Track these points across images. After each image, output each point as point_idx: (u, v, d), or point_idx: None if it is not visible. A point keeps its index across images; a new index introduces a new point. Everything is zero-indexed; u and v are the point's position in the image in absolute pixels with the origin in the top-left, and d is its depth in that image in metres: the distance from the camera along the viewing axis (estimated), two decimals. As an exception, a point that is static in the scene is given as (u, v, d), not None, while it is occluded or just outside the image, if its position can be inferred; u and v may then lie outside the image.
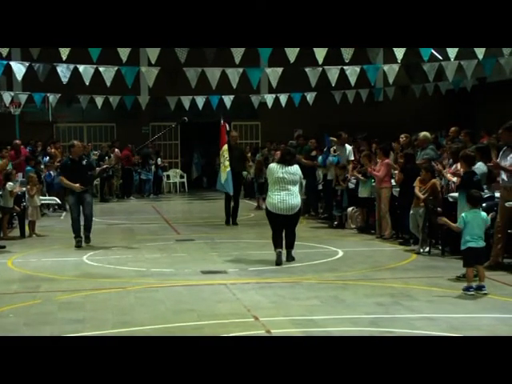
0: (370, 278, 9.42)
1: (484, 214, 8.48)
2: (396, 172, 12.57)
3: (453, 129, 14.76)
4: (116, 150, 22.98)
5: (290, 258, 10.59)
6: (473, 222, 8.31)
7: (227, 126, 15.89)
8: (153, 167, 25.02)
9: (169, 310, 7.73)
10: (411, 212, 11.42)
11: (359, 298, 8.14)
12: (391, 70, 17.77)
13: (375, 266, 10.34)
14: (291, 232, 10.62)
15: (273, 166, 10.72)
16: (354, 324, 7.04)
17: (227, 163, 14.60)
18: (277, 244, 10.50)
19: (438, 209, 10.98)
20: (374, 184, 13.37)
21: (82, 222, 12.49)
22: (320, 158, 16.01)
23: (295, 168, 10.54)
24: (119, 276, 9.82)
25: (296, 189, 10.50)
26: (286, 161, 10.55)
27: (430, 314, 7.38)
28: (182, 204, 23.36)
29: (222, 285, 9.08)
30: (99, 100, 21.22)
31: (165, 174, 26.34)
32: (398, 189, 12.72)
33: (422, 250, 11.19)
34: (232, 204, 15.44)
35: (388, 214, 12.81)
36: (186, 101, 21.23)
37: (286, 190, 10.35)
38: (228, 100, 21.26)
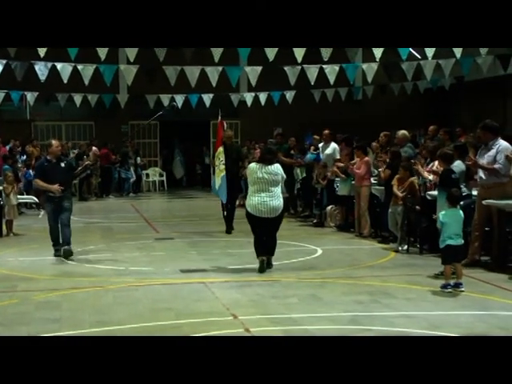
0: (349, 275, 9.45)
1: (462, 212, 8.53)
2: (380, 170, 12.59)
3: (431, 127, 14.85)
4: (94, 148, 22.85)
5: (270, 265, 9.94)
6: (451, 221, 8.37)
7: (225, 124, 14.24)
8: (132, 166, 24.93)
9: (147, 309, 7.70)
10: (390, 210, 11.47)
11: (338, 296, 8.16)
12: (370, 69, 17.81)
13: (354, 264, 10.37)
14: (272, 237, 9.96)
15: (252, 165, 10.08)
16: (332, 322, 7.05)
17: (222, 167, 12.89)
18: (260, 251, 9.87)
19: (417, 207, 11.03)
20: (353, 182, 13.40)
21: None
22: (310, 155, 16.02)
23: (276, 167, 9.92)
24: (98, 275, 9.77)
25: (278, 189, 9.85)
26: (266, 160, 9.94)
27: (408, 311, 7.41)
28: (161, 203, 23.29)
29: (200, 283, 9.06)
30: (78, 98, 21.08)
31: (144, 172, 26.26)
32: (378, 187, 12.78)
33: (400, 248, 11.24)
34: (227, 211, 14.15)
35: (367, 212, 12.87)
36: (165, 99, 21.15)
37: (267, 191, 9.72)
38: (207, 98, 21.20)
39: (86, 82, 17.17)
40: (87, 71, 17.11)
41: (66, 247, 11.05)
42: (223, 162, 12.91)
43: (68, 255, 10.98)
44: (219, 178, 12.92)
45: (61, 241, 11.19)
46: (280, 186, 9.97)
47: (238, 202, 19.53)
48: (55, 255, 11.22)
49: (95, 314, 7.50)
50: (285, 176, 10.26)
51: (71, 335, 6.59)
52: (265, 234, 9.91)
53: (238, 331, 6.71)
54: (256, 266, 9.85)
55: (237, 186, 14.80)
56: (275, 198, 9.77)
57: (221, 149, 13.15)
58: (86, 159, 21.15)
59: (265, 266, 9.79)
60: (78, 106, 21.45)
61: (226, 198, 13.02)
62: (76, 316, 7.43)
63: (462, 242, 8.49)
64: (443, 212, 8.51)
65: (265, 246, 9.90)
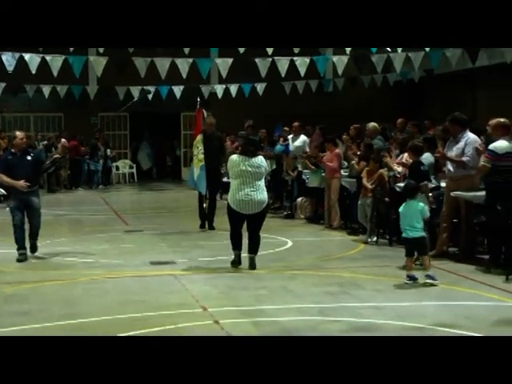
0: (319, 267, 9.49)
1: (421, 204, 8.59)
2: (353, 162, 12.64)
3: (400, 120, 14.95)
4: (63, 140, 22.58)
5: (253, 266, 9.30)
6: (407, 213, 8.46)
7: (204, 112, 13.37)
8: (101, 158, 24.75)
9: (116, 302, 7.67)
10: (359, 202, 11.54)
11: (307, 287, 8.19)
12: (340, 62, 17.88)
13: (324, 255, 10.41)
14: (255, 234, 9.39)
15: (234, 157, 9.53)
16: (302, 313, 7.08)
17: (201, 156, 12.33)
18: (236, 245, 9.46)
19: (386, 199, 11.11)
20: (323, 174, 13.45)
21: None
22: (279, 147, 16.03)
23: (260, 160, 9.45)
24: (66, 268, 9.70)
25: (262, 183, 9.41)
26: (249, 152, 9.45)
27: (376, 302, 7.47)
28: (131, 195, 23.17)
29: (170, 276, 9.04)
30: (46, 89, 20.83)
31: (114, 164, 26.09)
32: (348, 179, 12.84)
33: (369, 240, 11.31)
34: (206, 205, 13.15)
35: (337, 204, 12.92)
36: (135, 91, 21.00)
37: (251, 185, 9.23)
38: (178, 90, 21.10)
39: (55, 73, 17.00)
40: (56, 62, 16.94)
41: (32, 241, 10.52)
42: (202, 150, 12.41)
43: (34, 251, 10.52)
44: (198, 167, 12.42)
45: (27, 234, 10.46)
46: (264, 179, 9.61)
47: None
48: (18, 260, 10.17)
49: (64, 306, 7.45)
50: (268, 168, 9.91)
51: (36, 335, 6.53)
52: (249, 230, 9.45)
53: (207, 323, 6.72)
54: (226, 258, 9.86)
55: (218, 178, 13.87)
56: (259, 192, 9.29)
57: (200, 137, 12.65)
58: (55, 151, 20.95)
59: (240, 260, 9.47)
60: (46, 97, 21.20)
61: (204, 189, 12.51)
62: (45, 309, 7.37)
63: (422, 234, 8.47)
64: (403, 204, 8.61)
65: (241, 240, 9.47)
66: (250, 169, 9.31)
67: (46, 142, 22.98)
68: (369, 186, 11.25)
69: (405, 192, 8.76)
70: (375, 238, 11.32)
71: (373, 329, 6.47)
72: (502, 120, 9.32)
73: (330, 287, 8.21)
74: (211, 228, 12.98)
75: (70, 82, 20.35)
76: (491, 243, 9.54)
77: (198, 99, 13.51)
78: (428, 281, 8.22)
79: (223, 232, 11.16)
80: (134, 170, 26.74)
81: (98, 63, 17.58)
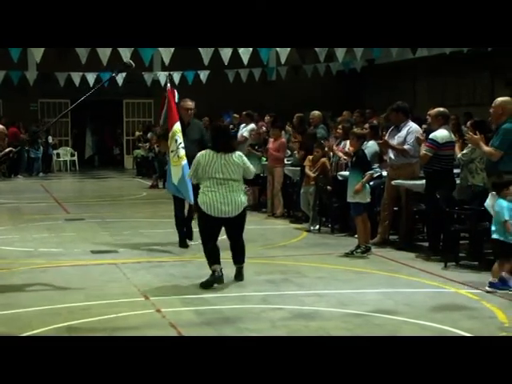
0: (262, 255, 9.49)
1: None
2: (295, 152, 12.67)
3: (345, 112, 15.04)
4: (1, 126, 22.09)
5: (240, 277, 7.99)
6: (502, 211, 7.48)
7: (176, 92, 10.23)
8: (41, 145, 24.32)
9: (56, 291, 7.54)
10: (302, 191, 11.59)
11: (250, 275, 8.18)
12: (283, 50, 17.85)
13: (266, 243, 10.43)
14: (237, 240, 7.99)
15: (206, 153, 7.80)
16: (244, 301, 7.09)
17: (182, 152, 9.49)
18: (214, 259, 7.82)
19: (328, 187, 11.19)
20: (265, 162, 13.47)
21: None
22: None
23: (237, 156, 7.84)
24: (5, 257, 9.49)
25: (240, 184, 7.84)
26: (222, 146, 7.77)
27: (319, 290, 7.53)
28: (72, 183, 22.85)
29: (112, 264, 8.93)
30: (-17, 74, 20.35)
31: (55, 152, 25.68)
32: (291, 167, 12.88)
33: (312, 228, 11.37)
34: (186, 213, 10.12)
35: (280, 192, 12.96)
36: (76, 77, 20.67)
37: (226, 185, 7.69)
38: (120, 77, 20.82)
39: (-8, 58, 16.59)
40: (-7, 47, 16.51)
41: None
42: (182, 144, 9.56)
43: None
44: (179, 167, 9.51)
45: None
46: (241, 180, 7.89)
47: (150, 183, 19.13)
48: None
49: (2, 296, 7.29)
50: (251, 167, 8.01)
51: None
52: (229, 237, 8.05)
53: (149, 312, 6.67)
54: (169, 247, 9.76)
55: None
56: (237, 193, 7.74)
57: (178, 127, 9.65)
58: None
59: (221, 277, 7.75)
60: (-17, 82, 20.70)
61: (191, 197, 9.22)
62: (-19, 299, 7.21)
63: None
64: (498, 200, 7.49)
65: (219, 251, 7.91)
66: (225, 167, 7.72)
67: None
68: (311, 174, 11.31)
69: (496, 186, 7.72)
70: (318, 227, 11.39)
71: (316, 316, 6.52)
72: (441, 109, 9.47)
73: (272, 275, 8.23)
74: (189, 237, 10.16)
75: (8, 67, 19.90)
76: (430, 231, 9.70)
77: (168, 74, 11.09)
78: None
79: (167, 220, 11.08)
80: (76, 158, 26.37)
81: (37, 48, 17.19)
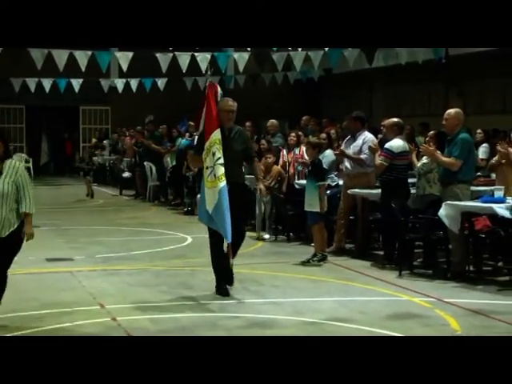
0: (218, 263, 9.48)
1: None
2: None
3: (304, 117, 15.15)
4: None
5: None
6: None
7: (219, 88, 8.17)
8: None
9: (10, 300, 7.36)
10: (257, 199, 11.61)
11: (207, 283, 8.16)
12: (241, 58, 17.92)
13: (223, 252, 10.42)
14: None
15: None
16: (202, 310, 7.08)
17: (221, 171, 7.39)
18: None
19: (281, 195, 11.26)
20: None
21: None
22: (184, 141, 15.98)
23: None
24: (-43, 265, 9.31)
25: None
26: None
27: (275, 298, 7.56)
28: (27, 190, 22.50)
29: (67, 272, 8.85)
30: None
31: (9, 158, 25.29)
32: (247, 176, 12.88)
33: (268, 237, 11.41)
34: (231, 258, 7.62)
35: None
36: (31, 83, 20.41)
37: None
38: (76, 83, 20.62)
39: None
40: None
41: None
42: (222, 160, 7.41)
43: None
44: (215, 190, 7.38)
45: None
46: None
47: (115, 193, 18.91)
48: None
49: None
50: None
51: None
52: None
53: (104, 320, 6.62)
54: (125, 254, 9.71)
55: (246, 200, 8.93)
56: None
57: (218, 135, 7.52)
58: None
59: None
60: None
61: (229, 233, 7.29)
62: None
63: None
64: None
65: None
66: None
67: None
68: (265, 185, 11.29)
69: None
70: (273, 235, 11.43)
71: (272, 324, 6.55)
72: (395, 120, 9.60)
73: (229, 283, 8.23)
74: (228, 285, 7.79)
75: (-39, 72, 19.60)
76: (385, 240, 9.81)
77: (208, 67, 9.47)
78: None
79: (124, 228, 11.01)
80: (31, 165, 26.01)
81: (-10, 53, 16.95)
